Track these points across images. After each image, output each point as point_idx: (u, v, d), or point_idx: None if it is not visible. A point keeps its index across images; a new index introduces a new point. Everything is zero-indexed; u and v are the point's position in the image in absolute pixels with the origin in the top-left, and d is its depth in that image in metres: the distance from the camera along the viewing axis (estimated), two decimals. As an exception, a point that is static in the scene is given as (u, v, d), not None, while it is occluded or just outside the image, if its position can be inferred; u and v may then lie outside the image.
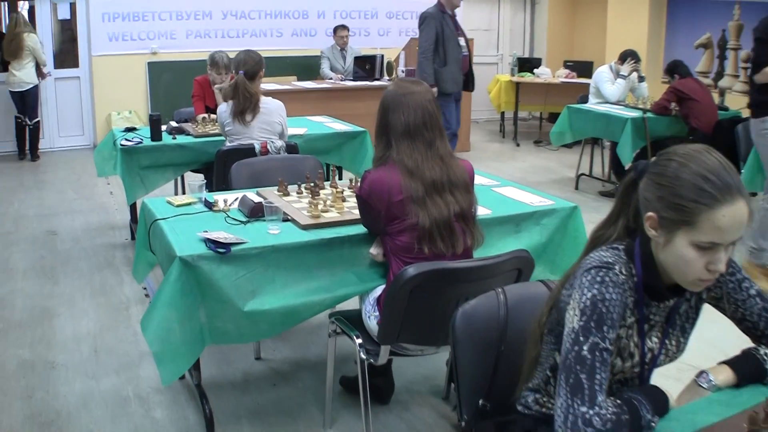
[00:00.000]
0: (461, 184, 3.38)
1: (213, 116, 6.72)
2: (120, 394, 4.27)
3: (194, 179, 4.67)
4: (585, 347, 1.96)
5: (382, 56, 11.17)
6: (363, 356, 3.45)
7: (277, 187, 4.38)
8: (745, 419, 1.88)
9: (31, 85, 10.65)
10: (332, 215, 3.86)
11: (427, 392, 4.34)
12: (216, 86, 6.81)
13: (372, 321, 3.50)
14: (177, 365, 3.42)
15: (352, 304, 3.85)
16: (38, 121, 11.00)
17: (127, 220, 7.23)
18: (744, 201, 1.92)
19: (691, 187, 1.92)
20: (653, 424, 1.94)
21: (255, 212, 3.87)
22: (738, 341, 2.32)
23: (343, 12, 12.86)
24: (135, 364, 4.61)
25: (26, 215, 7.98)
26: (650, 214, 2.02)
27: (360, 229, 3.66)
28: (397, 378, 4.25)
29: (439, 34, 8.33)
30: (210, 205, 4.05)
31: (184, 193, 7.15)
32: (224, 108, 5.67)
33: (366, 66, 11.04)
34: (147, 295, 5.60)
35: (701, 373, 2.18)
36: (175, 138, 6.36)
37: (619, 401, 1.95)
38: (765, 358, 2.16)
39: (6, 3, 11.57)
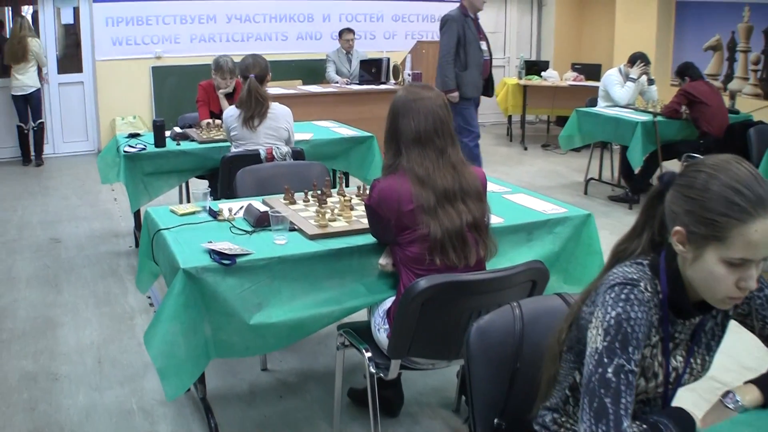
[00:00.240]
0: (474, 193, 3.28)
1: (218, 122, 6.65)
2: (124, 407, 4.19)
3: (198, 186, 4.60)
4: (609, 369, 1.87)
5: (388, 59, 11.07)
6: (372, 370, 3.36)
7: (283, 195, 4.29)
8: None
9: (34, 89, 10.72)
10: (340, 224, 3.77)
11: (437, 404, 4.25)
12: (220, 91, 6.75)
13: (382, 334, 3.41)
14: (181, 380, 3.33)
15: (360, 314, 3.75)
16: (42, 122, 11.03)
17: (132, 227, 7.14)
18: None
19: (722, 200, 1.83)
20: (680, 448, 1.86)
21: (261, 222, 3.78)
22: (755, 351, 2.24)
23: (348, 15, 12.79)
24: (139, 376, 4.53)
25: (30, 222, 7.92)
26: (678, 228, 1.92)
27: (369, 238, 3.57)
28: (406, 390, 4.17)
29: (461, 38, 8.26)
30: (214, 215, 3.96)
31: (188, 199, 7.09)
32: (231, 112, 5.59)
33: (372, 69, 10.96)
34: (151, 305, 5.53)
35: (727, 392, 2.10)
36: (179, 144, 6.27)
37: (645, 426, 1.86)
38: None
39: (10, 7, 11.52)
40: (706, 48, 11.65)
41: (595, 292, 2.05)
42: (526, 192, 4.60)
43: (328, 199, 4.18)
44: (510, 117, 13.16)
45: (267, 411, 4.17)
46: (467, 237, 3.24)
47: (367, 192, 4.15)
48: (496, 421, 2.42)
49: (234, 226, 3.81)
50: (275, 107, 5.64)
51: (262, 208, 3.94)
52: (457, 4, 8.49)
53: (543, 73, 12.56)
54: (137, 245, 6.32)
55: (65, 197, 9.07)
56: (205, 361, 3.41)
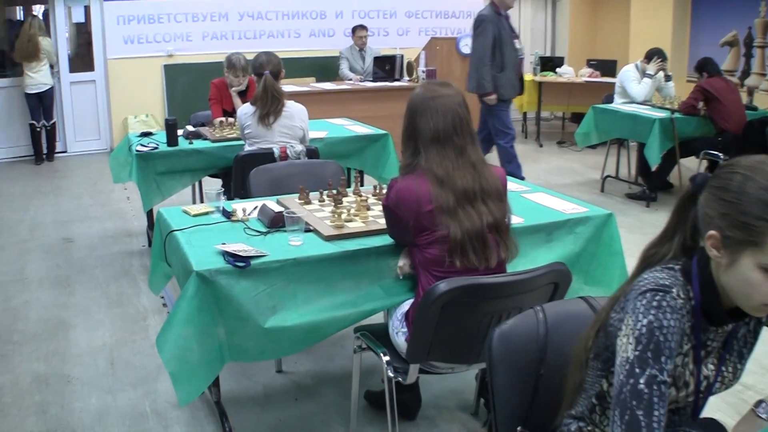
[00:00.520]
0: (494, 193, 3.19)
1: (231, 120, 6.60)
2: (137, 410, 4.14)
3: (212, 186, 4.54)
4: (641, 380, 1.80)
5: (402, 56, 11.02)
6: (390, 374, 3.29)
7: (297, 195, 4.22)
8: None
9: (48, 86, 10.83)
10: (356, 225, 3.70)
11: (455, 407, 4.18)
12: (233, 89, 6.70)
13: (400, 338, 3.33)
14: (194, 385, 3.27)
15: (376, 316, 3.69)
16: (54, 122, 11.09)
17: (144, 226, 7.10)
18: None
19: (759, 203, 1.75)
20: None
21: (275, 222, 3.71)
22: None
23: (361, 12, 12.73)
24: (152, 378, 4.48)
25: (42, 222, 7.90)
26: (712, 232, 1.84)
27: (386, 240, 3.50)
28: (423, 392, 4.10)
29: (497, 38, 8.13)
30: (228, 215, 3.90)
31: (201, 199, 7.05)
32: (245, 110, 5.54)
33: (386, 66, 10.91)
34: (165, 305, 5.47)
35: (760, 402, 2.03)
36: (191, 143, 6.22)
37: (678, 438, 1.79)
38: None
39: (22, 6, 11.51)
40: (722, 44, 11.56)
41: (625, 298, 1.97)
42: (545, 191, 4.53)
43: (344, 199, 4.10)
44: (525, 114, 13.10)
45: (282, 414, 4.11)
46: (488, 238, 3.15)
47: (384, 191, 4.09)
48: (519, 429, 2.35)
49: (248, 227, 3.74)
50: (290, 105, 5.58)
51: (277, 208, 3.88)
52: (487, 3, 8.38)
53: (558, 70, 12.52)
54: (150, 245, 6.29)
55: (77, 196, 9.05)
56: (219, 366, 3.35)
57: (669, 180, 8.89)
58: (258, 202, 4.09)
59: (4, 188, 9.50)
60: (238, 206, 4.03)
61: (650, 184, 8.53)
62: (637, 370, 1.81)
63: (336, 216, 3.71)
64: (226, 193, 4.32)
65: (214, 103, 6.93)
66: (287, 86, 9.15)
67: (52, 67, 10.84)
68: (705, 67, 8.25)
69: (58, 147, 11.41)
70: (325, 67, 12.06)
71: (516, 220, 3.70)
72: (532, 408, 2.36)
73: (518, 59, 8.38)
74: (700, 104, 8.11)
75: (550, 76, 12.39)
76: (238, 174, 5.28)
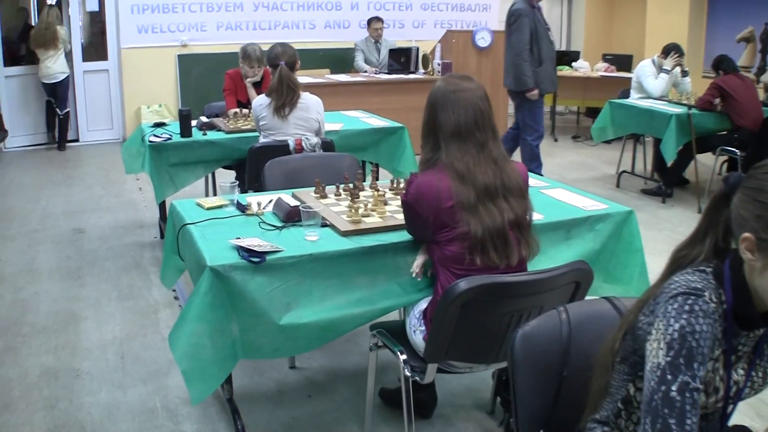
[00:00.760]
0: (516, 190, 3.12)
1: (245, 111, 6.55)
2: (147, 406, 4.08)
3: (225, 179, 4.49)
4: (674, 387, 1.73)
5: (417, 48, 10.96)
6: (407, 373, 3.22)
7: (313, 189, 4.16)
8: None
9: (64, 76, 10.88)
10: (374, 220, 3.63)
11: (471, 406, 4.12)
12: (248, 80, 6.65)
13: (417, 336, 3.27)
14: (207, 383, 3.21)
15: (392, 314, 3.63)
16: (68, 111, 11.10)
17: (157, 217, 7.05)
18: None
19: None
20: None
21: (291, 217, 3.64)
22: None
23: (377, 4, 12.66)
24: (163, 373, 4.42)
25: (53, 212, 7.84)
26: (747, 235, 1.77)
27: (404, 235, 3.43)
28: (439, 390, 4.05)
29: (533, 32, 8.03)
30: (243, 209, 3.84)
31: (215, 191, 7.00)
32: (261, 101, 5.48)
33: (401, 59, 10.86)
34: (176, 298, 5.42)
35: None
36: (205, 134, 6.17)
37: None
38: None
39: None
40: (738, 39, 11.49)
41: (654, 300, 1.91)
42: (564, 186, 4.46)
43: (361, 194, 4.03)
44: (540, 108, 13.02)
45: (295, 412, 4.05)
46: (509, 236, 3.08)
47: (401, 186, 4.03)
48: (541, 432, 2.29)
49: (263, 221, 3.68)
50: (306, 97, 5.52)
51: (293, 202, 3.82)
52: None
53: (574, 64, 12.48)
54: (162, 236, 6.25)
55: (89, 186, 9.00)
56: (232, 363, 3.30)
57: (685, 176, 8.82)
58: (273, 196, 4.03)
59: (16, 177, 9.47)
60: (253, 200, 3.98)
61: (666, 180, 8.46)
62: (669, 377, 1.75)
63: (353, 211, 3.64)
64: (239, 186, 4.26)
65: (228, 94, 6.88)
66: (302, 78, 9.09)
67: (67, 55, 10.83)
68: (721, 64, 8.21)
69: (70, 135, 11.40)
70: (340, 59, 12.02)
71: (537, 217, 3.63)
72: (555, 410, 2.31)
73: (554, 52, 8.29)
74: (716, 101, 8.04)
75: (565, 71, 12.32)
76: (253, 166, 5.22)
